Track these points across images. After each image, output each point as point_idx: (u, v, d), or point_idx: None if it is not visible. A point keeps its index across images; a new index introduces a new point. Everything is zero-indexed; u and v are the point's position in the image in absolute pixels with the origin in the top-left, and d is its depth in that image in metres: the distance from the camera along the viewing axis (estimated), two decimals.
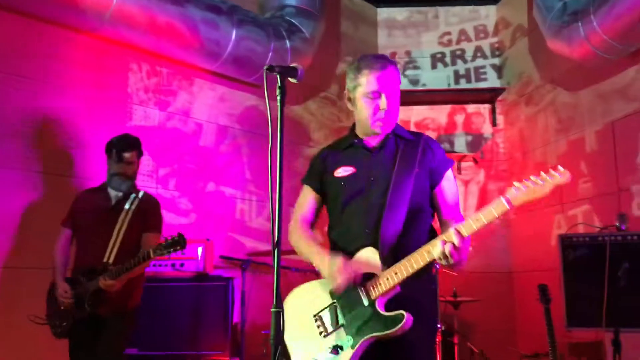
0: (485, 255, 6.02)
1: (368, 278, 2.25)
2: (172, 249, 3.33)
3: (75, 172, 4.34)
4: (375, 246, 2.28)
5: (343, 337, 2.24)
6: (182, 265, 4.39)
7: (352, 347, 2.20)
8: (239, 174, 5.40)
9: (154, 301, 4.05)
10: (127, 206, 3.69)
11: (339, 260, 2.27)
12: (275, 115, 1.98)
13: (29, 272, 3.97)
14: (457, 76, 6.68)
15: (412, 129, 6.55)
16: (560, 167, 2.04)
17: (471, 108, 6.60)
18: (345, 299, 2.28)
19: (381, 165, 2.42)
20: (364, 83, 2.38)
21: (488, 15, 6.74)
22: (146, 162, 4.72)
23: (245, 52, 4.97)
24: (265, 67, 1.96)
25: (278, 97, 1.97)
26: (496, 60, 6.67)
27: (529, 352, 4.50)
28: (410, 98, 6.42)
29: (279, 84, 1.98)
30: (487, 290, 5.69)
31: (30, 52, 4.19)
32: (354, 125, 2.58)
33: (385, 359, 2.25)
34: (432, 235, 2.42)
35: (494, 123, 6.55)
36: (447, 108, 6.61)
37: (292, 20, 5.39)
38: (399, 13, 6.84)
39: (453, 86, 6.64)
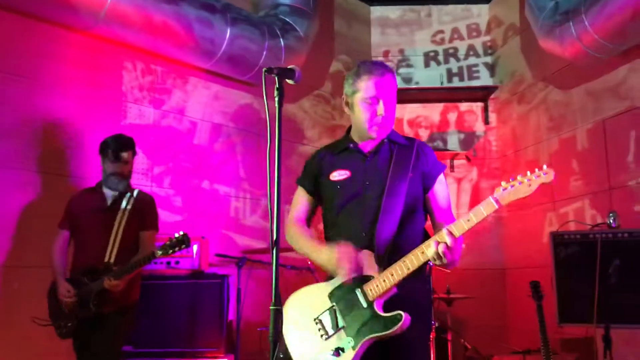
0: (479, 252, 6.06)
1: (365, 280, 2.31)
2: (177, 248, 3.39)
3: (71, 170, 4.34)
4: (371, 249, 2.34)
5: (344, 339, 2.29)
6: (177, 263, 4.40)
7: (353, 348, 2.25)
8: (233, 172, 5.42)
9: (150, 299, 4.05)
10: (123, 205, 3.72)
11: (335, 249, 2.34)
12: (272, 115, 2.01)
13: (28, 271, 3.99)
14: (450, 74, 6.72)
15: (405, 126, 6.60)
16: (544, 167, 2.12)
17: (464, 106, 6.65)
18: (344, 301, 2.33)
19: (376, 170, 2.48)
20: (363, 88, 2.45)
21: (480, 14, 6.79)
22: (141, 161, 4.73)
23: (240, 50, 4.98)
24: (264, 69, 1.99)
25: (276, 99, 2.01)
26: (488, 59, 6.71)
27: (521, 348, 4.54)
28: (403, 96, 6.44)
29: (277, 85, 2.01)
30: (480, 287, 5.74)
31: (25, 51, 4.18)
32: (349, 128, 2.64)
33: (384, 358, 2.31)
34: (426, 236, 2.48)
35: (486, 121, 6.59)
36: (440, 106, 6.65)
37: (286, 19, 5.41)
38: (392, 11, 6.87)
39: (446, 84, 6.68)
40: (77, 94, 4.44)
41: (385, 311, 2.25)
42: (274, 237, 1.90)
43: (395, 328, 2.19)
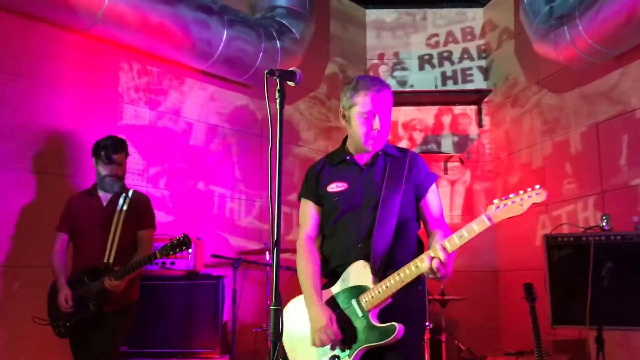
0: (472, 254, 6.09)
1: (361, 291, 2.39)
2: (178, 249, 3.43)
3: (67, 170, 4.34)
4: (367, 259, 2.42)
5: (340, 348, 2.38)
6: (172, 263, 4.41)
7: (349, 356, 2.35)
8: (229, 173, 5.43)
9: (145, 299, 4.06)
10: (119, 206, 3.76)
11: (323, 318, 2.38)
12: (273, 116, 2.03)
13: (27, 271, 4.00)
14: (444, 77, 6.76)
15: (400, 129, 6.63)
16: (537, 186, 2.20)
17: (458, 109, 6.69)
18: (340, 311, 2.42)
19: (371, 182, 2.56)
20: (360, 103, 2.52)
21: (475, 17, 6.83)
22: (136, 161, 4.74)
23: (236, 52, 5.00)
24: (265, 71, 2.01)
25: (277, 101, 2.03)
26: (483, 62, 6.75)
27: (514, 349, 4.58)
28: (398, 99, 6.38)
29: (279, 87, 2.03)
30: (473, 289, 5.78)
31: (23, 51, 4.18)
32: (344, 140, 2.71)
33: None
34: (419, 244, 2.60)
35: (480, 124, 6.63)
36: (434, 109, 6.69)
37: (283, 21, 5.43)
38: (388, 14, 6.90)
39: (440, 87, 6.71)
40: (74, 95, 4.44)
41: (380, 320, 2.34)
42: (275, 238, 1.92)
43: (389, 339, 2.28)
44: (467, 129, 6.65)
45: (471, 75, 6.74)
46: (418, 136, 6.64)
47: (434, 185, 2.61)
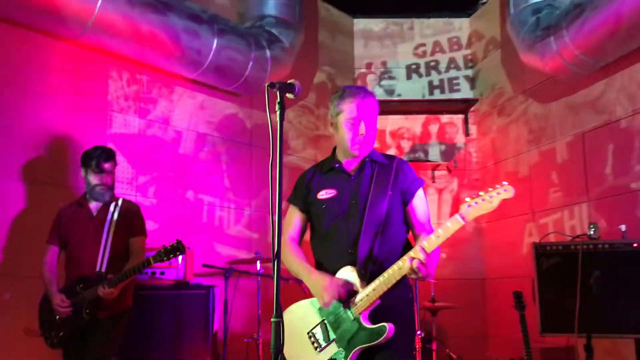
0: (459, 262, 6.14)
1: (351, 295, 2.49)
2: (171, 255, 3.46)
3: (56, 179, 4.31)
4: (354, 265, 2.53)
5: (336, 351, 2.48)
6: (162, 273, 4.39)
7: (345, 358, 2.44)
8: (218, 181, 5.43)
9: (135, 309, 4.03)
10: (110, 215, 3.76)
11: (323, 279, 2.52)
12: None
13: (15, 281, 3.96)
14: (431, 87, 6.83)
15: (388, 138, 6.67)
16: (504, 183, 2.34)
17: (445, 118, 6.75)
18: (333, 316, 2.53)
19: (359, 189, 2.66)
20: (346, 110, 2.64)
21: (462, 27, 6.91)
22: (125, 170, 4.72)
23: (226, 61, 5.00)
24: (267, 84, 2.04)
25: (277, 112, 2.06)
26: (469, 72, 6.83)
27: (502, 356, 4.62)
28: (385, 108, 6.49)
29: (279, 99, 2.06)
30: (462, 297, 5.82)
31: (12, 59, 4.15)
32: (334, 149, 2.82)
33: None
34: (407, 249, 2.64)
35: (467, 133, 6.70)
36: (421, 118, 6.75)
37: (272, 30, 5.45)
38: (375, 24, 6.96)
39: (427, 96, 6.78)
40: (64, 103, 4.42)
41: (371, 321, 2.45)
42: (276, 250, 1.93)
43: (381, 339, 2.39)
44: (454, 137, 6.71)
45: (458, 84, 6.81)
46: (406, 145, 6.68)
47: (420, 191, 2.71)
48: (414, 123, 6.74)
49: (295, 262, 2.68)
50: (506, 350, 5.72)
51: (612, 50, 4.55)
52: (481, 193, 2.33)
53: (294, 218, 2.79)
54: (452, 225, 2.33)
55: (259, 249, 5.18)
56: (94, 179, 3.78)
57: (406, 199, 2.68)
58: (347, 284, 2.49)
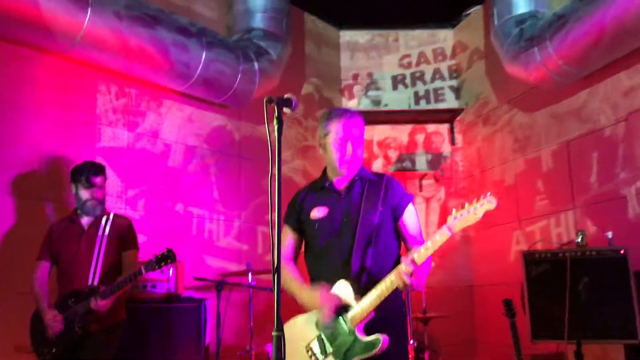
0: (447, 270, 6.19)
1: (345, 309, 2.56)
2: (162, 264, 3.47)
3: (46, 194, 4.29)
4: (348, 280, 2.59)
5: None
6: (153, 286, 4.38)
7: None
8: (207, 193, 5.43)
9: (127, 323, 4.02)
10: (101, 229, 3.76)
11: (317, 294, 2.59)
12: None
13: (6, 298, 3.91)
14: (417, 97, 6.90)
15: (375, 148, 6.72)
16: (488, 194, 2.42)
17: (431, 128, 6.82)
18: (329, 329, 2.58)
19: (350, 206, 2.74)
20: (334, 131, 2.73)
21: (446, 38, 7.00)
22: (115, 183, 4.71)
23: (215, 74, 5.02)
24: (265, 99, 2.07)
25: (276, 127, 2.08)
26: (454, 82, 6.91)
27: None
28: (372, 118, 6.59)
29: (276, 114, 2.09)
30: (450, 305, 5.85)
31: (0, 74, 4.14)
32: (325, 169, 2.90)
33: None
34: (399, 262, 2.70)
35: (452, 142, 6.77)
36: (408, 128, 6.81)
37: (260, 43, 5.47)
38: (361, 36, 7.02)
39: (413, 107, 6.84)
40: (52, 117, 4.41)
41: (366, 333, 2.51)
42: (276, 264, 1.95)
43: (375, 350, 2.46)
44: (440, 147, 6.78)
45: (443, 94, 6.89)
46: (393, 154, 6.73)
47: (410, 206, 2.79)
48: (401, 133, 6.80)
49: (288, 279, 2.75)
50: (495, 357, 5.77)
51: (595, 60, 4.65)
52: (466, 205, 2.42)
53: (288, 238, 2.86)
54: (439, 237, 2.42)
55: (249, 261, 5.19)
56: (84, 194, 3.78)
57: (397, 214, 2.76)
58: (343, 298, 2.56)
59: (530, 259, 4.19)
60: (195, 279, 4.57)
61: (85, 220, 3.82)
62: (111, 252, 3.75)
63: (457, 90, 6.88)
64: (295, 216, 2.85)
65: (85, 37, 4.22)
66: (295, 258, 2.88)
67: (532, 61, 5.04)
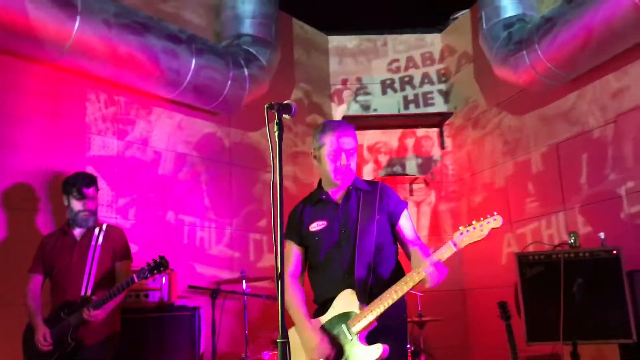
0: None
1: (350, 316, 2.63)
2: (155, 272, 3.45)
3: (35, 205, 4.23)
4: (353, 288, 2.67)
5: None
6: (146, 296, 4.34)
7: None
8: (198, 201, 5.39)
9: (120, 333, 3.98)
10: (94, 240, 3.74)
11: (315, 338, 2.63)
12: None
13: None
14: (406, 101, 6.92)
15: (365, 152, 6.73)
16: (495, 213, 2.55)
17: (420, 132, 6.84)
18: (333, 335, 2.65)
19: (347, 217, 2.82)
20: (328, 143, 2.81)
21: (433, 43, 7.03)
22: (105, 192, 4.66)
23: (205, 80, 5.00)
24: (266, 105, 2.07)
25: (276, 133, 2.08)
26: (443, 86, 6.94)
27: None
28: (362, 123, 6.59)
29: (277, 120, 2.09)
30: (443, 308, 5.85)
31: None
32: (320, 181, 2.97)
33: None
34: (398, 268, 2.86)
35: (442, 146, 6.80)
36: (397, 132, 6.82)
37: (249, 49, 5.46)
38: (349, 41, 7.04)
39: (403, 111, 6.86)
40: (41, 127, 4.36)
41: (367, 341, 2.59)
42: (279, 270, 1.94)
43: (376, 358, 2.54)
44: (430, 150, 6.80)
45: (432, 98, 6.92)
46: (383, 159, 6.74)
47: (405, 211, 2.89)
48: (391, 137, 6.81)
49: (293, 307, 2.76)
50: (490, 359, 5.78)
51: (583, 62, 4.69)
52: (473, 222, 2.54)
53: (293, 253, 2.90)
54: (445, 251, 2.56)
55: (240, 268, 5.16)
56: (76, 205, 3.75)
57: (393, 221, 2.85)
58: (347, 306, 2.64)
59: (524, 261, 4.21)
60: (190, 287, 4.54)
61: (77, 232, 3.79)
62: (104, 263, 3.72)
63: (445, 94, 6.92)
64: (297, 230, 2.89)
65: (74, 45, 4.18)
66: (302, 272, 2.93)
67: (521, 64, 5.07)
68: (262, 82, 5.52)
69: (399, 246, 2.91)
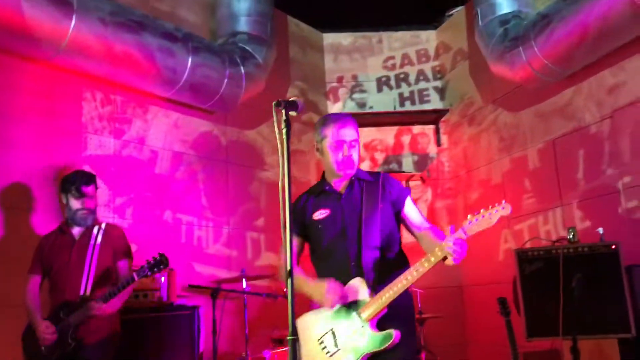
0: (438, 271, 6.17)
1: (360, 304, 2.65)
2: (156, 269, 3.43)
3: (32, 204, 4.20)
4: (361, 275, 2.70)
5: (346, 356, 2.63)
6: (145, 296, 4.32)
7: None
8: (195, 200, 5.37)
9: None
10: (93, 239, 3.70)
11: (323, 284, 2.67)
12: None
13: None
14: (402, 99, 6.92)
15: (362, 150, 6.71)
16: (503, 202, 2.55)
17: (416, 129, 6.85)
18: (342, 323, 2.68)
19: (351, 207, 2.85)
20: (330, 134, 2.84)
21: (429, 40, 7.03)
22: (102, 192, 4.63)
23: (201, 78, 4.98)
24: (273, 103, 2.07)
25: (284, 131, 2.07)
26: (438, 83, 6.95)
27: None
28: (358, 120, 6.45)
29: (284, 117, 2.09)
30: (441, 305, 5.86)
31: None
32: (323, 172, 3.00)
33: None
34: (403, 256, 2.89)
35: (438, 143, 6.81)
36: (393, 129, 6.83)
37: (245, 47, 5.44)
38: (344, 38, 7.03)
39: (398, 108, 6.86)
40: (38, 126, 4.33)
41: (378, 328, 2.62)
42: (288, 268, 1.94)
43: (387, 344, 2.58)
44: (426, 148, 6.81)
45: (428, 95, 6.92)
46: (379, 156, 6.74)
47: (409, 198, 2.93)
48: (387, 135, 6.82)
49: (295, 277, 2.73)
50: (488, 356, 5.80)
51: (579, 58, 4.71)
52: (482, 210, 2.53)
53: (292, 242, 2.88)
54: (457, 234, 2.55)
55: (238, 267, 5.14)
56: (75, 204, 3.71)
57: (397, 208, 2.87)
58: (357, 294, 2.66)
59: (524, 256, 4.22)
60: (191, 287, 4.53)
61: (76, 231, 3.75)
62: (103, 262, 3.68)
63: (441, 91, 6.92)
64: (299, 221, 2.90)
65: (70, 44, 4.15)
66: (298, 262, 2.95)
67: (517, 61, 5.08)
68: (259, 80, 5.50)
69: (402, 235, 2.92)
